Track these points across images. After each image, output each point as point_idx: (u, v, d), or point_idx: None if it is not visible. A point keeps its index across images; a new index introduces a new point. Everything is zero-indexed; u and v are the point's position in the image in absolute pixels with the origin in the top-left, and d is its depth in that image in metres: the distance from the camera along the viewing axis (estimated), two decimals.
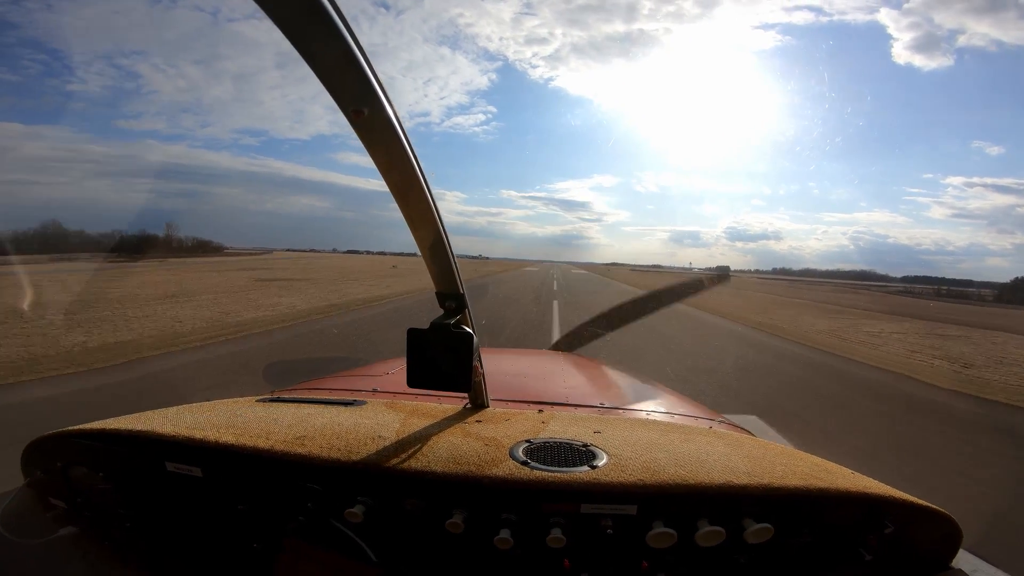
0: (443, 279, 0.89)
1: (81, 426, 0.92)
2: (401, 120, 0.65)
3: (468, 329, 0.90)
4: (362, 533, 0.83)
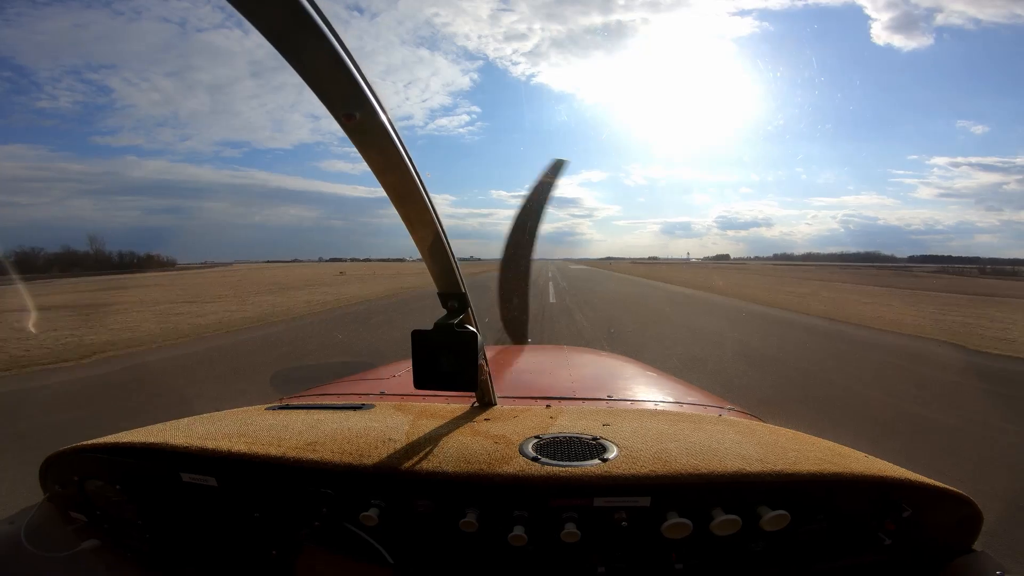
0: (444, 279, 0.90)
1: (95, 440, 0.94)
2: (393, 122, 0.66)
3: (472, 328, 0.91)
4: (377, 535, 0.84)
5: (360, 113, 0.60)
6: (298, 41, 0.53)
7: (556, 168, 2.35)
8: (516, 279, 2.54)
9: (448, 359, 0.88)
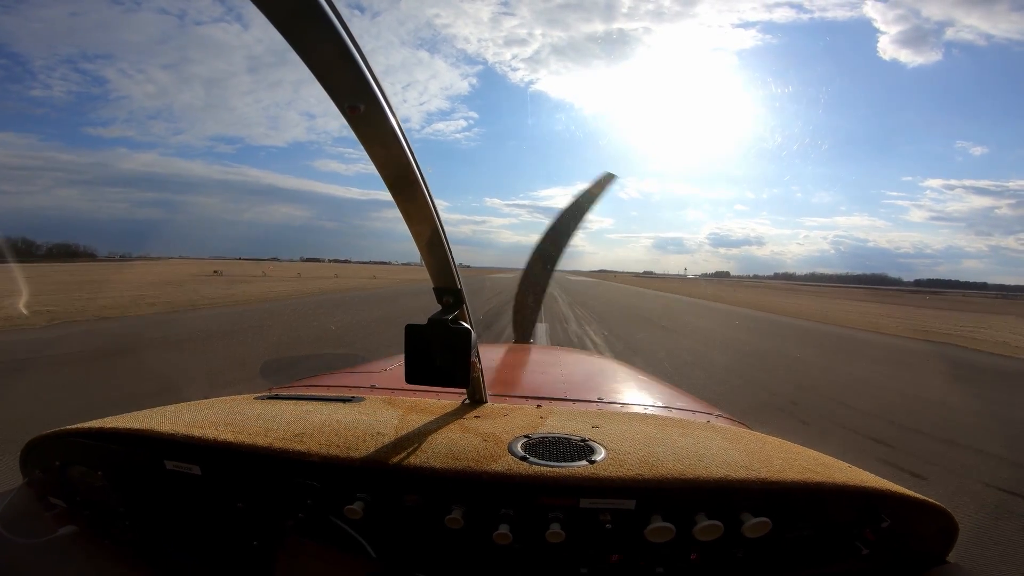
0: (440, 274, 0.93)
1: (79, 425, 0.95)
2: (397, 116, 0.68)
3: (466, 325, 0.93)
4: (362, 529, 0.86)
5: (364, 105, 0.63)
6: (306, 31, 0.56)
7: (605, 181, 2.48)
8: (537, 282, 2.74)
9: (441, 355, 0.91)
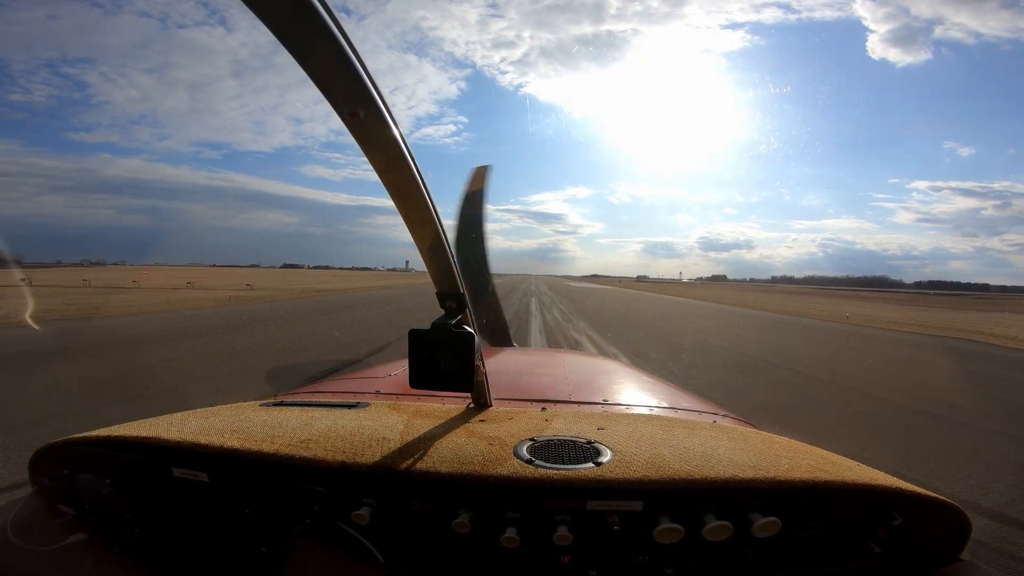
0: (443, 279, 0.96)
1: (87, 434, 0.98)
2: (397, 122, 0.71)
3: (469, 329, 0.96)
4: (369, 535, 0.88)
5: (364, 112, 0.65)
6: (305, 38, 0.57)
7: (481, 175, 2.40)
8: (484, 287, 2.63)
9: (445, 359, 0.93)
